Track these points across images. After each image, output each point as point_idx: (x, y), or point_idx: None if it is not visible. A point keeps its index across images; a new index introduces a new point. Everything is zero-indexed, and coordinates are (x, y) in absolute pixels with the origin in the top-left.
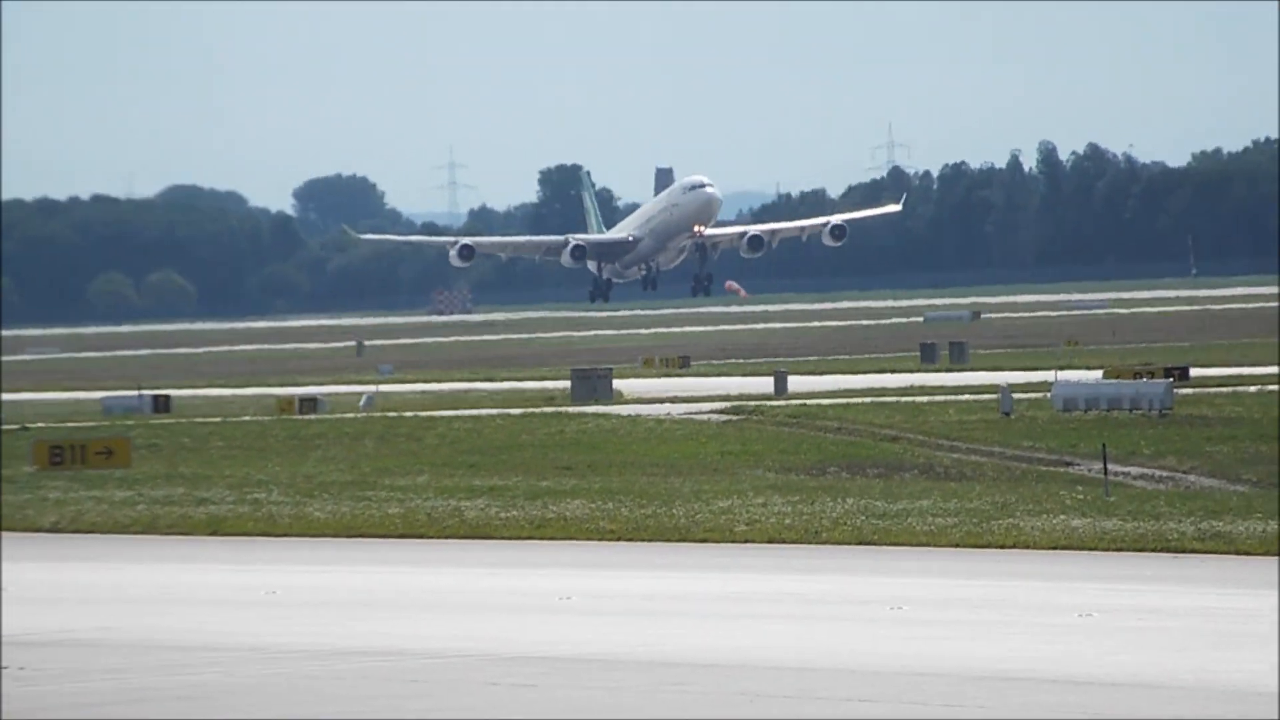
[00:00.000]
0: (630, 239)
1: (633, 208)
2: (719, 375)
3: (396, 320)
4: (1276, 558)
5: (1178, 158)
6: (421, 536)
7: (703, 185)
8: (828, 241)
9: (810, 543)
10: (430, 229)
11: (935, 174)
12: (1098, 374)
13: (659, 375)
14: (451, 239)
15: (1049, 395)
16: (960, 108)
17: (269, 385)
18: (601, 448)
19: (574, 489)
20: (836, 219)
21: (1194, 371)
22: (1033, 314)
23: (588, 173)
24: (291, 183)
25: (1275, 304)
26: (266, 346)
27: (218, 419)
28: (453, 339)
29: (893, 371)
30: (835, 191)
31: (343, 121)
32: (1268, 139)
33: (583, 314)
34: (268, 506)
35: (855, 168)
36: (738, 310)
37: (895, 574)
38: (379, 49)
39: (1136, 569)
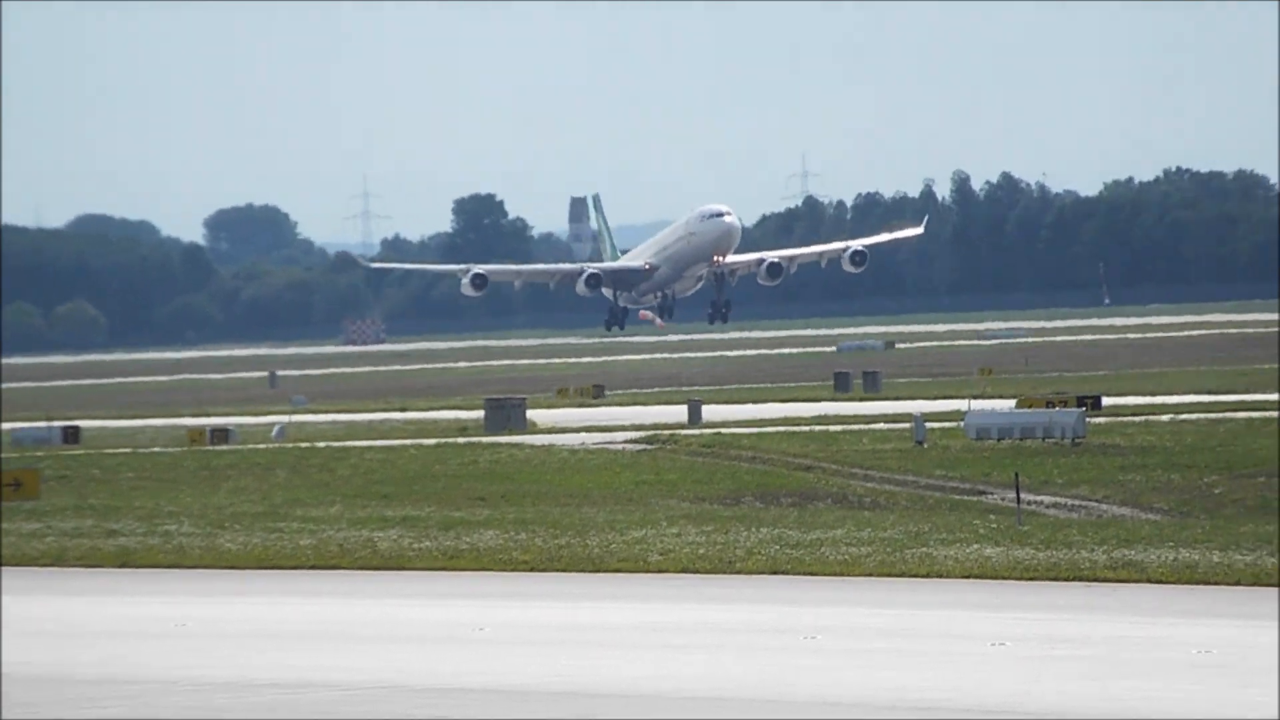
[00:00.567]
0: (646, 267)
1: (547, 237)
2: (633, 404)
3: (309, 350)
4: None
5: (1090, 187)
6: (334, 568)
7: (721, 214)
8: (848, 267)
9: (724, 573)
10: (343, 259)
11: (849, 203)
12: (1011, 403)
13: (573, 405)
14: (464, 266)
15: (962, 424)
16: (874, 138)
17: (180, 416)
18: (515, 478)
19: (487, 519)
20: (857, 244)
21: (1106, 400)
22: (946, 343)
23: (597, 196)
24: (202, 212)
25: (1193, 333)
26: (178, 377)
27: (128, 450)
28: (366, 369)
29: (807, 401)
30: (750, 220)
31: (254, 151)
32: (1179, 168)
33: (498, 343)
34: (178, 538)
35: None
36: (652, 340)
37: (809, 603)
38: (291, 78)
39: (1049, 598)
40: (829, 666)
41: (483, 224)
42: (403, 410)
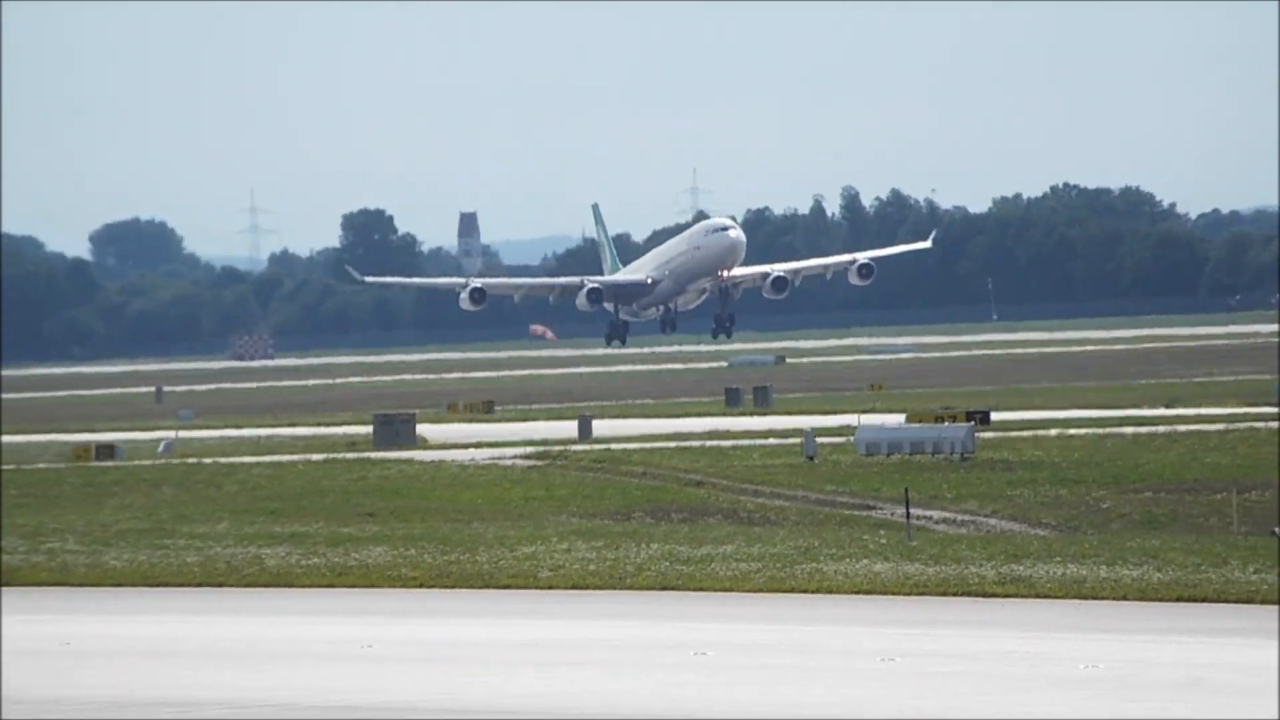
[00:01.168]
0: (649, 281)
1: (437, 252)
2: (524, 420)
3: (197, 366)
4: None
5: (979, 203)
6: (221, 585)
7: (726, 228)
8: (854, 280)
9: (615, 588)
10: (231, 273)
11: (740, 219)
12: (900, 418)
13: (463, 420)
14: (462, 280)
15: (852, 439)
16: (764, 154)
17: (65, 431)
18: (404, 494)
19: (376, 535)
20: (863, 257)
21: (995, 416)
22: (836, 358)
23: (596, 206)
24: (88, 227)
25: (1080, 348)
26: (63, 393)
27: (11, 466)
28: (254, 384)
29: (698, 416)
30: (640, 236)
31: (141, 165)
32: (1066, 185)
33: (387, 359)
34: (62, 555)
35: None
36: (543, 355)
37: (700, 619)
38: (178, 92)
39: (939, 613)
40: (719, 682)
41: (372, 239)
42: (291, 426)
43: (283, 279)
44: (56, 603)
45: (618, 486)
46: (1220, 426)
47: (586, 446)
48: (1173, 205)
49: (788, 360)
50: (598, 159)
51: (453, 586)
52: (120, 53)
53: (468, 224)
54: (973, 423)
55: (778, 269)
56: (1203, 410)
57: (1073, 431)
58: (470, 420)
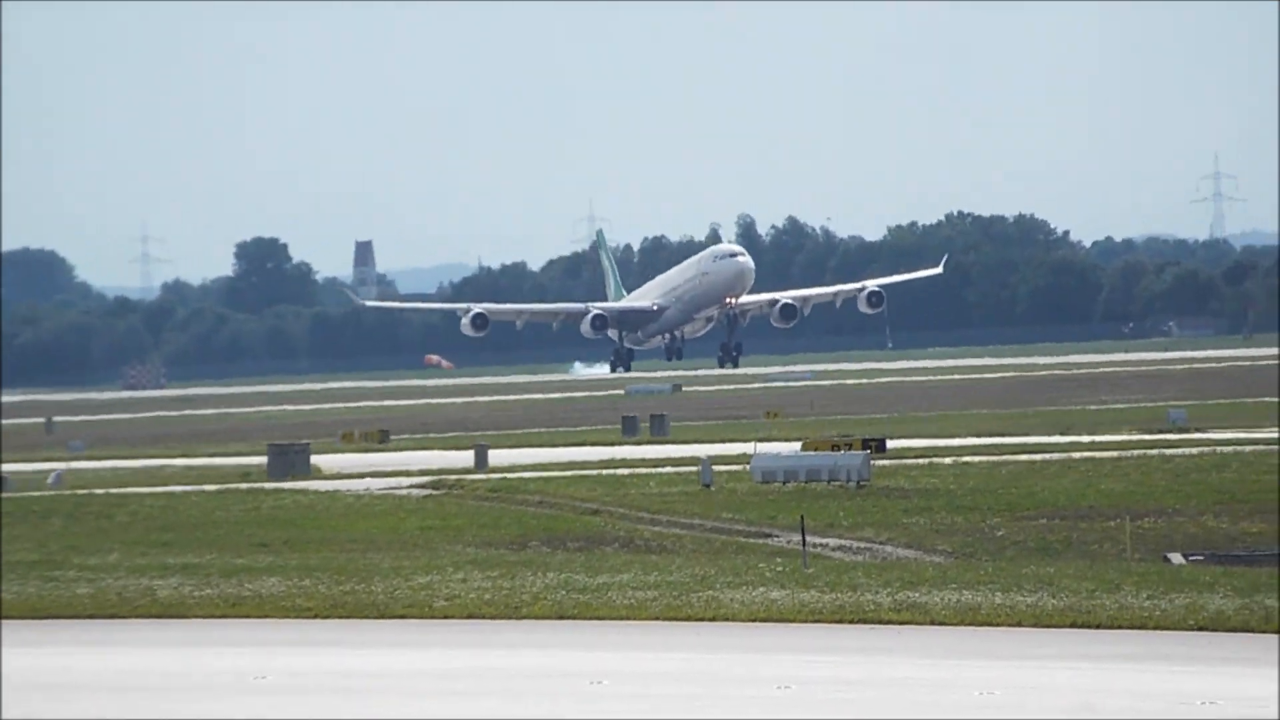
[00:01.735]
0: (654, 308)
1: (332, 281)
2: (419, 449)
3: (88, 396)
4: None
5: (874, 231)
6: (113, 616)
7: (735, 254)
8: (864, 308)
9: (511, 618)
10: (123, 303)
11: (636, 247)
12: (796, 446)
13: (358, 450)
14: (464, 306)
15: (748, 467)
16: (660, 182)
17: None
18: (299, 524)
19: (270, 566)
20: (873, 284)
21: (891, 443)
22: (733, 386)
23: (600, 232)
24: None
25: (974, 376)
26: None
27: None
28: (147, 414)
29: (594, 444)
30: (536, 264)
31: (30, 194)
32: (960, 213)
33: (281, 388)
34: None
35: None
36: (438, 383)
37: (596, 648)
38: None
39: (835, 640)
40: (616, 711)
41: (266, 268)
42: (184, 456)
43: (175, 308)
44: None
45: (514, 516)
46: (1114, 454)
47: (482, 476)
48: (1066, 233)
49: (684, 389)
50: (493, 188)
51: (348, 617)
52: (6, 79)
53: (363, 253)
54: (868, 450)
55: (785, 297)
56: (1097, 437)
57: (968, 459)
58: (365, 450)
